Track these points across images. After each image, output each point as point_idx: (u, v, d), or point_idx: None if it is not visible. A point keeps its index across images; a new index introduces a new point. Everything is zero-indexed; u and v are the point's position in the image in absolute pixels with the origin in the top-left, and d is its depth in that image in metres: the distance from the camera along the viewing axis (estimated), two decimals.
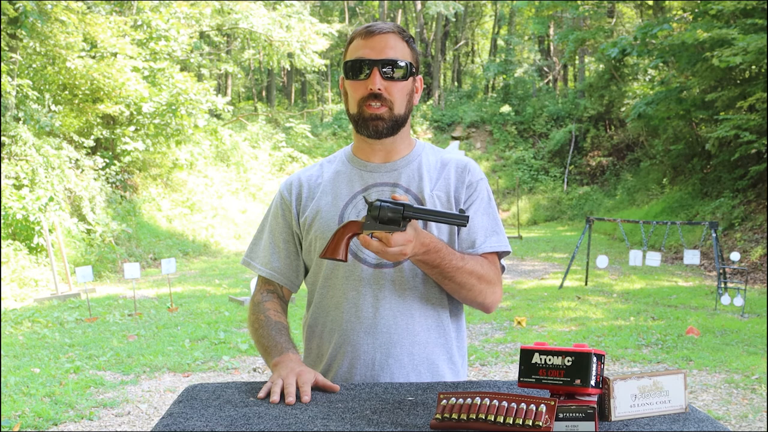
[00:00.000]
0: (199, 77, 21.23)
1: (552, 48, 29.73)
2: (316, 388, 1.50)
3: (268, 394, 1.47)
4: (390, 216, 1.45)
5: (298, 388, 1.47)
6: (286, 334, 1.67)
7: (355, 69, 1.63)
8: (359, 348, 1.63)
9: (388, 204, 1.45)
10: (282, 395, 1.45)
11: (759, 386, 4.70)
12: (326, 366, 1.68)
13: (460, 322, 1.75)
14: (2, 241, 9.26)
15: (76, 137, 12.85)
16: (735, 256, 7.40)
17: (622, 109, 19.71)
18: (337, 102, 29.33)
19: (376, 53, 1.61)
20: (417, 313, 1.65)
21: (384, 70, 1.61)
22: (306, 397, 1.44)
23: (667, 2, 17.01)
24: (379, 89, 1.61)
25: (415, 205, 1.48)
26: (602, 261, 8.47)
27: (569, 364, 1.24)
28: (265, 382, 1.52)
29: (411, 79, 1.66)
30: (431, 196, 1.66)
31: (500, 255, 1.72)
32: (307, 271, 1.77)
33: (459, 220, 1.47)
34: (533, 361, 1.28)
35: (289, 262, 1.75)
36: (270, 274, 1.75)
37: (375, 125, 1.64)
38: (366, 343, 1.63)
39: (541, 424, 1.16)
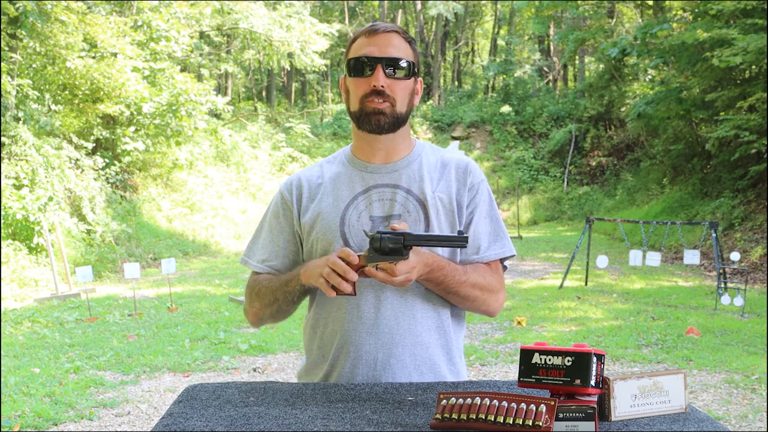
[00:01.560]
0: (199, 77, 21.23)
1: (552, 48, 29.73)
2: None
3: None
4: (391, 246, 1.48)
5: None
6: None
7: (359, 66, 1.64)
8: (361, 348, 1.63)
9: (388, 235, 1.48)
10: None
11: (759, 386, 4.70)
12: (329, 367, 1.68)
13: (460, 323, 1.76)
14: (2, 241, 9.26)
15: (75, 137, 12.84)
16: (735, 256, 7.39)
17: (622, 109, 19.69)
18: (337, 102, 29.32)
19: (379, 51, 1.62)
20: (419, 313, 1.65)
21: (387, 69, 1.62)
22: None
23: (667, 2, 17.01)
24: (383, 86, 1.61)
25: (415, 233, 1.50)
26: (602, 261, 8.46)
27: (569, 364, 1.24)
28: (265, 382, 1.52)
29: (413, 79, 1.67)
30: (433, 197, 1.67)
31: (504, 258, 1.73)
32: None
33: (458, 242, 1.49)
34: (533, 361, 1.28)
35: (288, 261, 1.74)
36: (268, 272, 1.74)
37: (377, 119, 1.64)
38: (368, 343, 1.63)
39: (541, 424, 1.16)
